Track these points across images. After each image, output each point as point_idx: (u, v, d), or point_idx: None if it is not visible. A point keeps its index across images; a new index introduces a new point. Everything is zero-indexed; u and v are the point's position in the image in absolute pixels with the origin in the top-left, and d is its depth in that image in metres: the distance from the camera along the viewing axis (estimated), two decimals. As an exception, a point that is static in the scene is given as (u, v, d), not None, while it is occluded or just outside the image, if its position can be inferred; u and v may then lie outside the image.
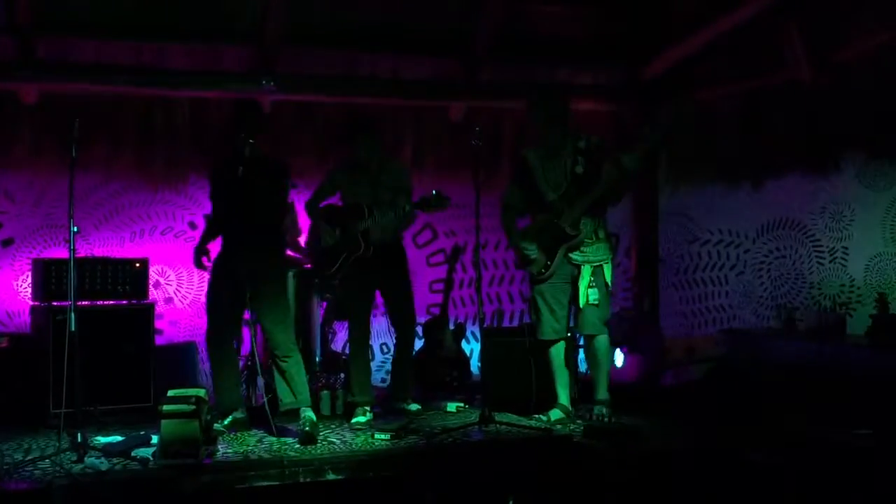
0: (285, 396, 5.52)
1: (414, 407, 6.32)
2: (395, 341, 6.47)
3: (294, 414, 5.53)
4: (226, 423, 5.54)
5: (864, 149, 6.74)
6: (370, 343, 6.52)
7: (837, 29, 6.71)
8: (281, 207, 5.78)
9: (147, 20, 6.78)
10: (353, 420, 5.83)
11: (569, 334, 6.01)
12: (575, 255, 5.78)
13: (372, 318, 6.44)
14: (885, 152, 6.59)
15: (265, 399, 5.56)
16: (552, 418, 5.78)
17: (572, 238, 5.73)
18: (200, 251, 5.60)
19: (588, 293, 5.73)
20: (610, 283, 5.80)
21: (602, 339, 5.82)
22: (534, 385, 6.18)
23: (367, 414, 5.91)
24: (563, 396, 5.93)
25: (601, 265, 5.77)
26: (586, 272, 5.74)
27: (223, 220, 5.60)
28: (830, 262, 7.02)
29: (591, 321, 5.77)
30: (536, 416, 5.92)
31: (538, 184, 5.86)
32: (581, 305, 5.75)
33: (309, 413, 5.47)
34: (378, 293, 6.28)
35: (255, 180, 5.37)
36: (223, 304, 5.58)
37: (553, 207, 5.80)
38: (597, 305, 5.75)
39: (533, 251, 5.88)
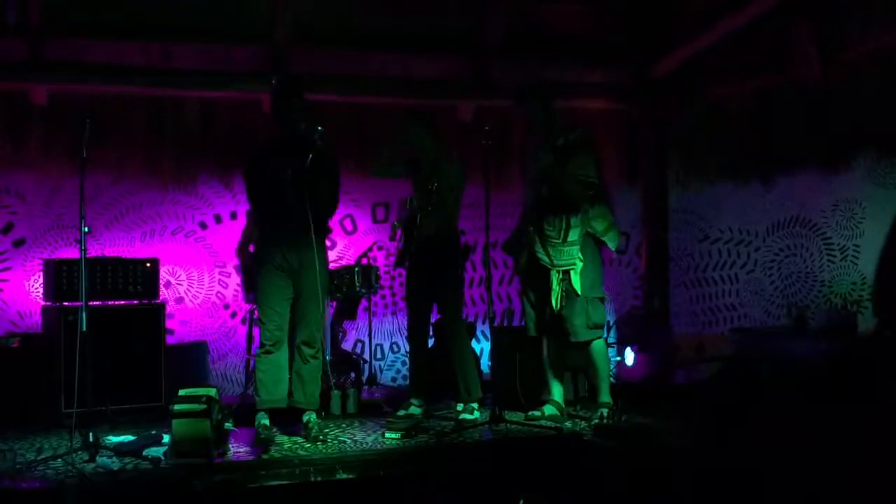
0: (298, 394, 5.43)
1: (471, 415, 5.85)
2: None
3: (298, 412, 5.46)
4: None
5: (875, 146, 6.71)
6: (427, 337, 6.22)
7: (847, 26, 6.69)
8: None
9: (157, 21, 6.81)
10: (399, 412, 5.83)
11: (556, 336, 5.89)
12: (542, 257, 5.68)
13: (382, 317, 6.42)
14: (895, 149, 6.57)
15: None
16: (546, 413, 5.78)
17: (528, 234, 5.70)
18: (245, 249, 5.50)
19: (559, 299, 5.60)
20: (580, 290, 5.57)
21: (595, 346, 5.71)
22: (517, 380, 6.19)
23: (413, 408, 5.90)
24: (557, 392, 5.91)
25: (568, 270, 5.62)
26: (554, 278, 5.62)
27: (277, 210, 5.28)
28: (841, 260, 7.00)
29: (574, 329, 5.63)
30: (530, 412, 5.88)
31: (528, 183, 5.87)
32: (556, 311, 5.64)
33: (314, 417, 5.42)
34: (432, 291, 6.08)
35: (318, 168, 5.18)
36: (282, 295, 5.33)
37: (526, 206, 5.82)
38: (571, 311, 5.59)
39: (508, 247, 6.00)
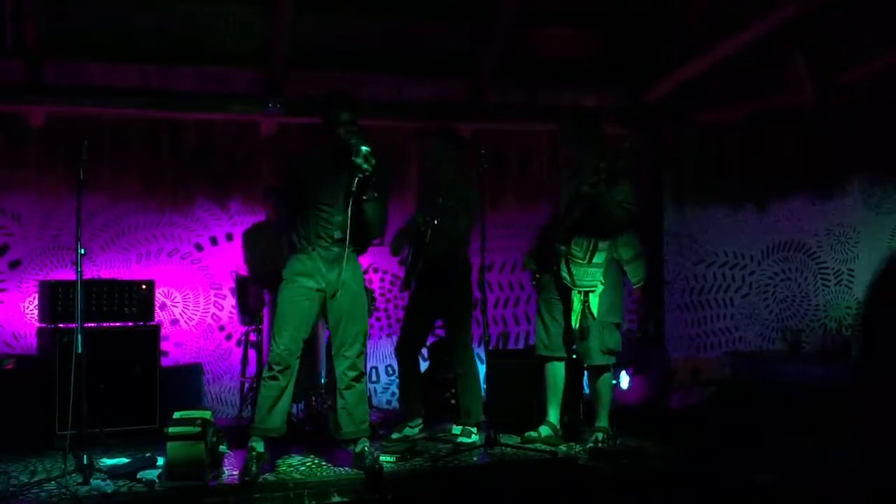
0: (346, 424, 5.09)
1: (468, 438, 5.87)
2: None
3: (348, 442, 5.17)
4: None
5: (869, 171, 6.75)
6: (418, 358, 6.20)
7: (840, 51, 6.74)
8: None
9: (154, 43, 6.84)
10: (393, 436, 5.80)
11: (573, 356, 5.94)
12: (565, 276, 5.68)
13: (378, 339, 6.41)
14: (890, 175, 6.61)
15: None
16: (542, 435, 5.77)
17: (557, 252, 5.68)
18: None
19: (580, 320, 5.62)
20: (596, 313, 5.59)
21: (605, 374, 5.76)
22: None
23: (413, 427, 5.91)
24: (553, 415, 5.90)
25: (589, 292, 5.63)
26: (575, 298, 5.64)
27: (317, 227, 4.98)
28: (836, 284, 7.02)
29: (587, 351, 5.67)
30: (527, 433, 5.85)
31: (560, 203, 5.85)
32: (575, 331, 5.67)
33: (367, 445, 5.11)
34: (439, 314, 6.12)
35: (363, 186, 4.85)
36: (303, 317, 5.00)
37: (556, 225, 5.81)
38: (587, 335, 5.61)
39: (530, 263, 5.94)
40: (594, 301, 5.61)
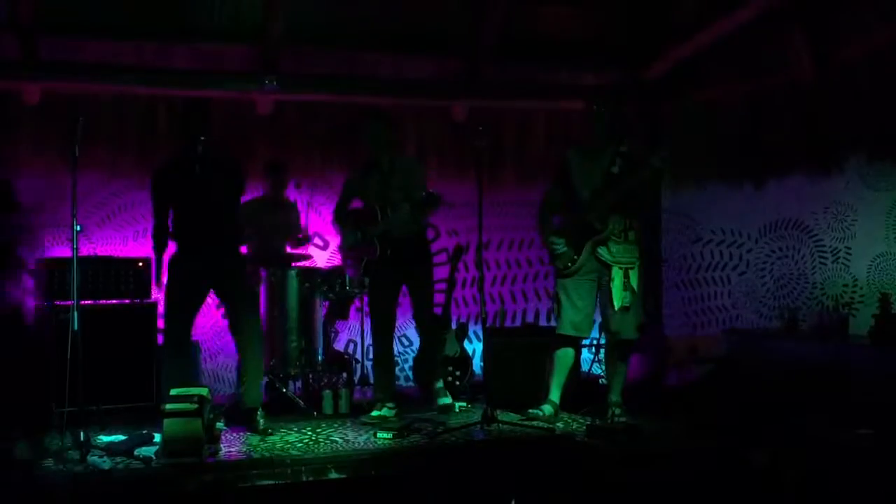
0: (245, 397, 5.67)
1: (446, 401, 6.31)
2: (420, 336, 6.60)
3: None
4: None
5: (867, 149, 6.72)
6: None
7: (840, 28, 6.71)
8: (236, 204, 5.74)
9: (149, 20, 6.79)
10: (373, 413, 5.91)
11: (587, 339, 6.13)
12: (603, 254, 5.75)
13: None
14: (887, 153, 6.58)
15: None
16: (545, 413, 5.82)
17: (598, 232, 5.73)
18: (160, 268, 5.59)
19: (623, 296, 5.71)
20: (636, 288, 5.75)
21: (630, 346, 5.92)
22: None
23: (387, 410, 5.97)
24: (556, 394, 5.96)
25: (629, 268, 5.75)
26: (616, 274, 5.73)
27: (180, 222, 5.57)
28: (833, 262, 7.01)
29: (626, 327, 5.79)
30: (530, 410, 5.91)
31: (574, 182, 5.89)
32: (616, 308, 5.74)
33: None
34: (405, 288, 6.25)
35: (211, 179, 5.40)
36: (184, 306, 5.56)
37: (584, 204, 5.81)
38: (628, 309, 5.73)
39: (560, 245, 5.91)
40: (634, 276, 5.74)
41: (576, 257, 5.83)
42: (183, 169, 5.43)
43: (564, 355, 5.96)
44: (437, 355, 6.52)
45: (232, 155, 5.96)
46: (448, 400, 6.26)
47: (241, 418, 5.65)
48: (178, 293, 5.52)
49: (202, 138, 5.34)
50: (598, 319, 6.28)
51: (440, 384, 6.36)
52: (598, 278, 5.83)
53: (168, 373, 5.48)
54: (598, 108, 5.89)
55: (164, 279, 5.59)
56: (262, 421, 5.54)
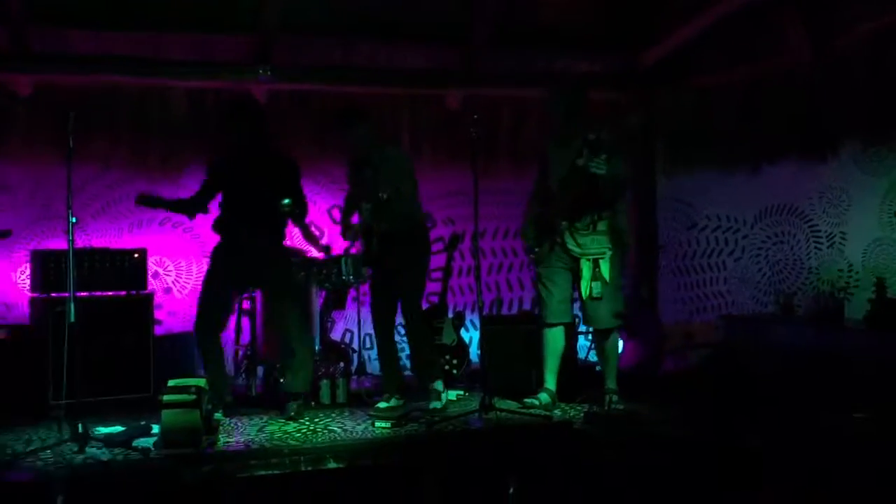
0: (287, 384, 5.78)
1: (437, 405, 6.00)
2: (406, 336, 6.29)
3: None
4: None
5: (862, 134, 6.73)
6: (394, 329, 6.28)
7: (837, 14, 6.71)
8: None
9: (142, 10, 6.77)
10: (380, 405, 5.87)
11: (571, 321, 6.07)
12: (571, 246, 5.75)
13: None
14: (882, 138, 6.58)
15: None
16: (542, 401, 5.82)
17: (557, 226, 5.75)
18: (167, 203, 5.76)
19: (591, 286, 5.70)
20: (608, 277, 5.69)
21: (613, 335, 5.87)
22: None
23: (395, 401, 5.94)
24: (551, 381, 5.95)
25: (599, 258, 5.72)
26: (584, 266, 5.72)
27: (226, 215, 5.71)
28: (828, 247, 7.02)
29: (599, 316, 5.77)
30: (528, 398, 5.91)
31: (548, 174, 5.90)
32: (584, 298, 5.76)
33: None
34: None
35: (262, 178, 5.58)
36: (217, 297, 5.71)
37: (554, 196, 5.82)
38: (600, 299, 5.71)
39: (529, 237, 5.99)
40: (605, 267, 5.71)
41: (537, 249, 5.91)
42: (236, 164, 5.60)
43: (552, 340, 5.95)
44: (425, 355, 6.19)
45: (289, 156, 6.00)
46: (438, 405, 5.94)
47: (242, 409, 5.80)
48: (214, 284, 5.71)
49: (250, 135, 5.57)
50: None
51: (439, 385, 6.05)
52: (570, 268, 5.83)
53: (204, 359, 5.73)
54: (553, 96, 5.89)
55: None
56: (294, 406, 5.64)
